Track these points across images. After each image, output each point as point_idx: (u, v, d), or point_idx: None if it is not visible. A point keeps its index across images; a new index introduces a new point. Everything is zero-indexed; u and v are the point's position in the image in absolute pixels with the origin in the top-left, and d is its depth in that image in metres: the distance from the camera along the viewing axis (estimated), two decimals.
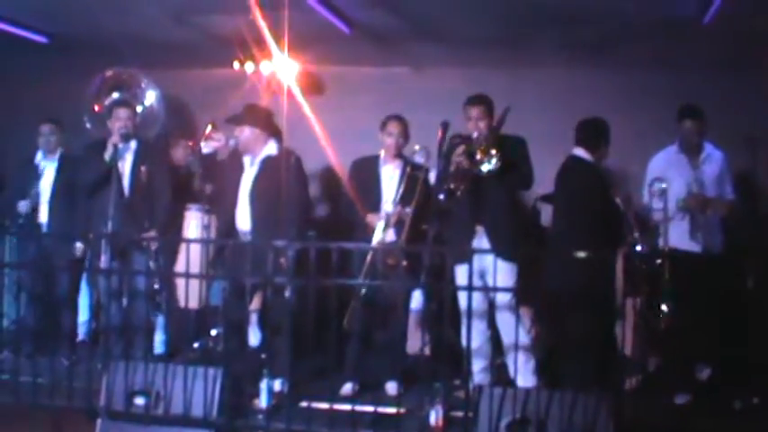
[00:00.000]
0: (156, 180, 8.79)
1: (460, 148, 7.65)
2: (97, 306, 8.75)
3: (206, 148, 8.36)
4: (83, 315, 9.69)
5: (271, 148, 8.34)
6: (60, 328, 9.03)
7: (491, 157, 7.47)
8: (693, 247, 8.11)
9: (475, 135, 7.76)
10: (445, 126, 7.57)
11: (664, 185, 8.01)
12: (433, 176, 8.13)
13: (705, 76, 10.04)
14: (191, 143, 8.95)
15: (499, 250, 7.46)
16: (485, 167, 7.50)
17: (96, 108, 9.96)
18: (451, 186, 7.63)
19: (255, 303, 8.64)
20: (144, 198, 8.67)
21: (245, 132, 8.30)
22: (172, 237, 9.12)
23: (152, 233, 8.65)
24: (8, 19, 9.82)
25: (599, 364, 7.55)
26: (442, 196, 7.64)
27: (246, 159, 8.37)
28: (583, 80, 10.53)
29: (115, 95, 9.14)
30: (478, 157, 7.52)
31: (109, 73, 10.11)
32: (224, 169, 8.56)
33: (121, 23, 9.76)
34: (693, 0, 8.46)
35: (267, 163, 8.29)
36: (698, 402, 7.80)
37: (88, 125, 9.31)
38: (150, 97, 9.87)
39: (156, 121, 10.30)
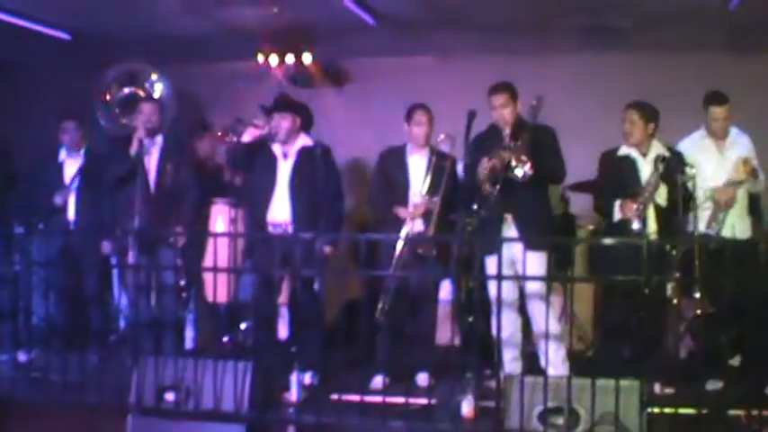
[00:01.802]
0: (183, 175, 8.75)
1: (491, 162, 7.61)
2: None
3: (248, 135, 8.30)
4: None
5: (304, 140, 8.33)
6: (90, 325, 9.03)
7: (524, 162, 7.43)
8: (729, 232, 8.04)
9: (507, 139, 7.72)
10: (472, 115, 7.51)
11: (693, 171, 7.93)
12: (460, 166, 8.09)
13: (732, 61, 9.98)
14: (219, 134, 8.92)
15: (528, 239, 7.41)
16: (519, 172, 7.47)
17: (106, 98, 9.92)
18: (485, 192, 7.61)
19: (284, 296, 8.60)
20: (170, 193, 8.64)
21: (287, 121, 8.27)
22: (199, 231, 9.10)
23: (179, 229, 8.63)
24: (30, 16, 9.83)
25: (632, 352, 7.50)
26: (475, 207, 7.59)
27: (278, 150, 8.33)
28: (610, 66, 10.46)
29: (126, 90, 9.10)
30: (513, 163, 7.49)
31: (120, 67, 10.08)
32: (254, 160, 8.52)
33: (144, 18, 9.78)
34: None
35: (303, 154, 8.27)
36: (729, 389, 7.73)
37: (102, 121, 9.29)
38: (159, 91, 9.82)
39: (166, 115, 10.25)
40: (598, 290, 8.94)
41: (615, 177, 8.07)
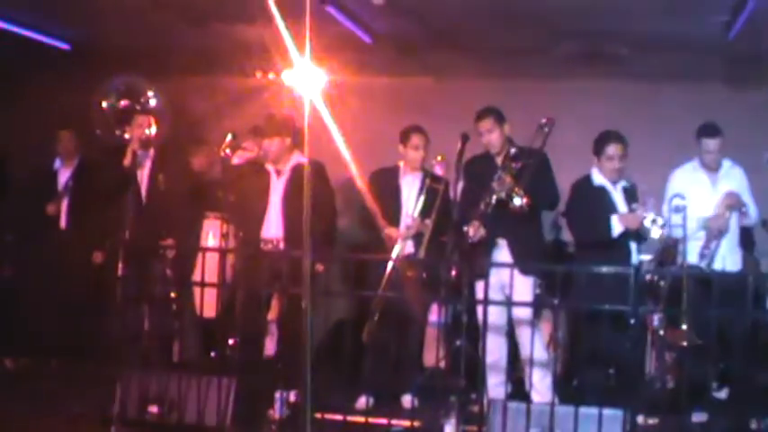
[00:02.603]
0: (173, 188, 8.75)
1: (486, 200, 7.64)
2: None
3: (237, 158, 8.34)
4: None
5: (298, 157, 8.34)
6: (79, 335, 9.02)
7: (519, 195, 7.45)
8: (719, 265, 8.02)
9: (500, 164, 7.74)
10: (465, 138, 7.52)
11: (683, 202, 7.93)
12: (452, 189, 8.09)
13: (728, 92, 10.01)
14: (215, 149, 8.91)
15: (520, 264, 7.42)
16: (516, 201, 7.49)
17: (104, 109, 9.90)
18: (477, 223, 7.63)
19: (273, 313, 8.59)
20: (161, 205, 8.64)
21: (276, 143, 8.28)
22: (189, 245, 9.10)
23: (169, 241, 8.62)
24: (31, 25, 9.85)
25: (617, 381, 7.50)
26: (470, 233, 7.60)
27: (270, 168, 8.34)
28: (605, 93, 10.47)
29: (123, 102, 9.10)
30: (512, 192, 7.50)
31: (118, 79, 10.08)
32: (245, 178, 8.53)
33: (143, 31, 9.80)
34: (719, 16, 8.41)
35: (297, 172, 8.26)
36: (714, 421, 7.72)
37: (98, 131, 9.29)
38: (156, 104, 9.82)
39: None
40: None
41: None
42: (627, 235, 7.82)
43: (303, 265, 6.98)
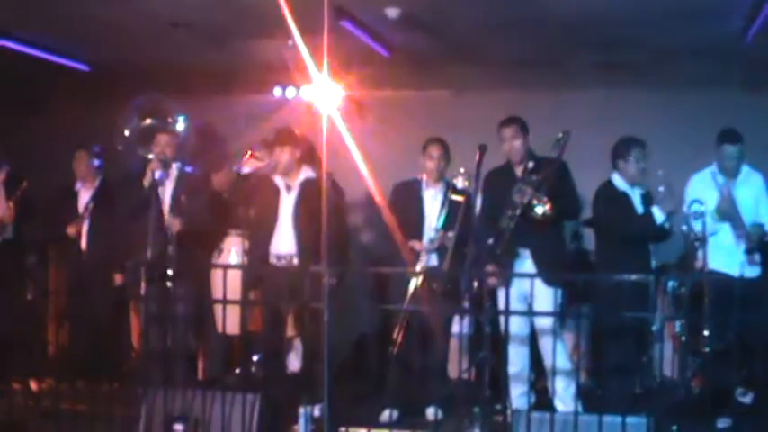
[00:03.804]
0: (195, 207, 8.75)
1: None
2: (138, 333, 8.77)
3: (247, 167, 8.34)
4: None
5: (307, 172, 8.35)
6: (102, 355, 9.05)
7: (542, 202, 7.45)
8: (737, 271, 7.99)
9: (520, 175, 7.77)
10: (483, 149, 7.52)
11: (702, 207, 7.92)
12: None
13: (746, 97, 9.98)
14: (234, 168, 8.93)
15: (544, 274, 7.42)
16: (539, 210, 7.50)
17: (128, 133, 9.91)
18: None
19: (292, 329, 8.61)
20: (184, 224, 8.66)
21: (287, 154, 8.30)
22: (211, 263, 9.13)
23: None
24: (50, 48, 9.92)
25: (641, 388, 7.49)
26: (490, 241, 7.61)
27: (280, 183, 8.36)
28: (624, 101, 10.47)
29: (148, 122, 9.10)
30: (534, 201, 7.51)
31: (143, 99, 10.10)
32: (257, 193, 8.56)
33: (161, 51, 9.85)
34: (735, 20, 8.40)
35: (307, 186, 8.29)
36: (739, 427, 7.69)
37: (121, 151, 9.29)
38: (181, 123, 9.82)
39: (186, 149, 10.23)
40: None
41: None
42: (648, 237, 7.85)
43: (322, 279, 7.09)
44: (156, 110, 9.46)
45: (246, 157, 8.54)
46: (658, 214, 7.84)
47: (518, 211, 7.58)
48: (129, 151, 9.16)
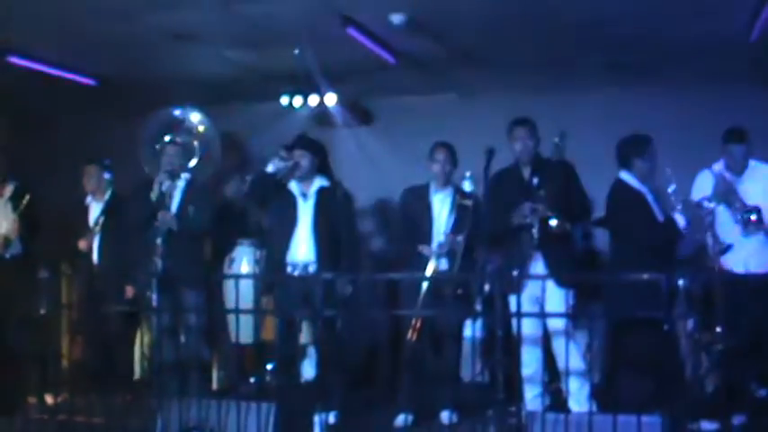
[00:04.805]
0: (200, 217, 8.77)
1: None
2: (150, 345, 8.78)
3: (271, 166, 8.32)
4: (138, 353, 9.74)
5: (321, 181, 8.37)
6: (115, 368, 9.07)
7: (556, 215, 7.49)
8: (741, 267, 7.97)
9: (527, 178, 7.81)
10: (491, 153, 7.52)
11: (711, 204, 7.90)
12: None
13: (752, 93, 9.96)
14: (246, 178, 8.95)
15: (556, 276, 7.43)
16: (553, 222, 7.55)
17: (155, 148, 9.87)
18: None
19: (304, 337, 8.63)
20: (191, 235, 8.68)
21: (307, 159, 8.32)
22: (221, 273, 9.15)
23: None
24: (56, 63, 9.96)
25: (657, 388, 7.46)
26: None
27: (296, 190, 8.37)
28: (631, 101, 10.46)
29: (168, 137, 9.08)
30: (548, 215, 7.56)
31: (162, 112, 10.10)
32: (272, 200, 8.58)
33: (166, 63, 9.88)
34: (739, 18, 8.40)
35: (323, 194, 8.31)
36: (755, 422, 7.67)
37: (146, 168, 9.25)
38: (203, 134, 9.77)
39: (211, 159, 10.21)
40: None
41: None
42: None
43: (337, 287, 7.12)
44: (174, 124, 9.48)
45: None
46: (680, 219, 7.82)
47: (536, 232, 7.61)
48: (153, 168, 9.15)
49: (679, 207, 7.81)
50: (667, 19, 8.54)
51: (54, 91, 10.73)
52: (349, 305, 7.86)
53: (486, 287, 8.09)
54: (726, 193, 7.96)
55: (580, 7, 8.32)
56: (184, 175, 8.81)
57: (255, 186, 8.52)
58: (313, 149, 8.40)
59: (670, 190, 7.86)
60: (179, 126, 9.41)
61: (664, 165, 7.97)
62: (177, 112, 9.52)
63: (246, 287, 8.38)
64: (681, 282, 7.74)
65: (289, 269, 8.23)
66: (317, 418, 7.29)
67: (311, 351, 8.94)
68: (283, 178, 8.30)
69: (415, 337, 8.03)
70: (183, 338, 8.44)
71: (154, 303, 8.15)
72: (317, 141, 8.59)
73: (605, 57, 9.70)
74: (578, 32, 8.94)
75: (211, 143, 9.52)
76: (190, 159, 8.97)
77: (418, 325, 8.02)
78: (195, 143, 9.13)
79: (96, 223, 9.25)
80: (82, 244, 9.19)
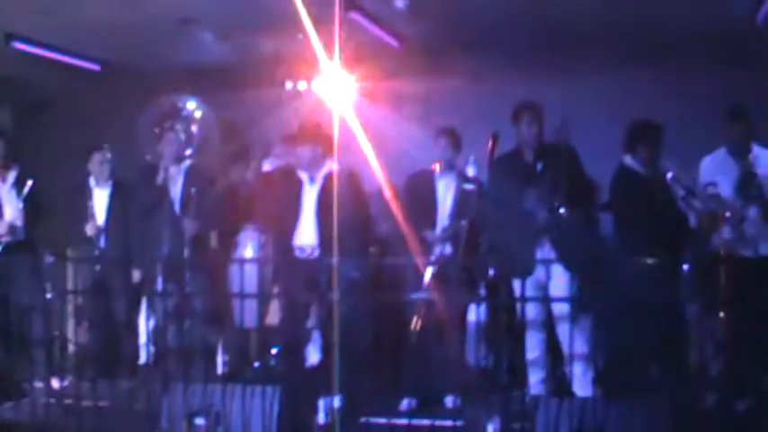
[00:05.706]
0: (204, 201, 8.79)
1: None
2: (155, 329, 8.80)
3: (268, 165, 8.36)
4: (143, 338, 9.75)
5: (330, 165, 8.36)
6: (121, 352, 9.09)
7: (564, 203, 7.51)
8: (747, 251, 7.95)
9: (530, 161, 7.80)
10: (495, 137, 7.51)
11: (716, 190, 7.88)
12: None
13: (760, 77, 9.92)
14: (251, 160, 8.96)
15: (565, 261, 7.43)
16: (562, 210, 7.55)
17: (155, 133, 9.91)
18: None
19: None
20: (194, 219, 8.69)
21: (308, 151, 8.32)
22: (226, 257, 9.16)
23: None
24: (60, 47, 9.96)
25: (660, 372, 7.48)
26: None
27: (304, 176, 8.38)
28: (638, 84, 10.42)
29: (168, 123, 9.08)
30: (556, 204, 7.56)
31: (163, 100, 10.11)
32: (280, 185, 8.58)
33: (171, 48, 9.86)
34: (742, 2, 8.37)
35: (330, 180, 8.30)
36: (761, 408, 7.67)
37: (148, 156, 9.26)
38: (200, 120, 9.79)
39: (209, 144, 10.23)
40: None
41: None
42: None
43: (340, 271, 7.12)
44: (173, 110, 9.49)
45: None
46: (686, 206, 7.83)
47: (542, 217, 7.63)
48: (151, 154, 9.17)
49: (682, 193, 7.80)
50: (673, 3, 8.52)
51: (57, 77, 10.72)
52: (355, 289, 7.87)
53: (491, 272, 8.08)
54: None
55: None
56: (186, 161, 8.83)
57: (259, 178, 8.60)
58: (314, 140, 8.39)
59: (670, 176, 7.86)
60: (177, 113, 9.42)
61: (668, 151, 7.97)
62: (175, 99, 9.54)
63: (252, 272, 8.41)
64: (685, 266, 7.76)
65: (296, 252, 8.25)
66: (321, 402, 7.30)
67: (316, 335, 8.95)
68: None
69: (418, 328, 8.03)
70: (187, 323, 8.45)
71: (159, 288, 8.18)
72: (318, 129, 8.58)
73: (613, 39, 9.67)
74: (585, 15, 8.92)
75: (210, 129, 9.53)
76: (190, 146, 8.97)
77: (422, 313, 8.03)
78: (194, 129, 9.11)
79: (102, 208, 9.27)
80: (89, 230, 9.19)
